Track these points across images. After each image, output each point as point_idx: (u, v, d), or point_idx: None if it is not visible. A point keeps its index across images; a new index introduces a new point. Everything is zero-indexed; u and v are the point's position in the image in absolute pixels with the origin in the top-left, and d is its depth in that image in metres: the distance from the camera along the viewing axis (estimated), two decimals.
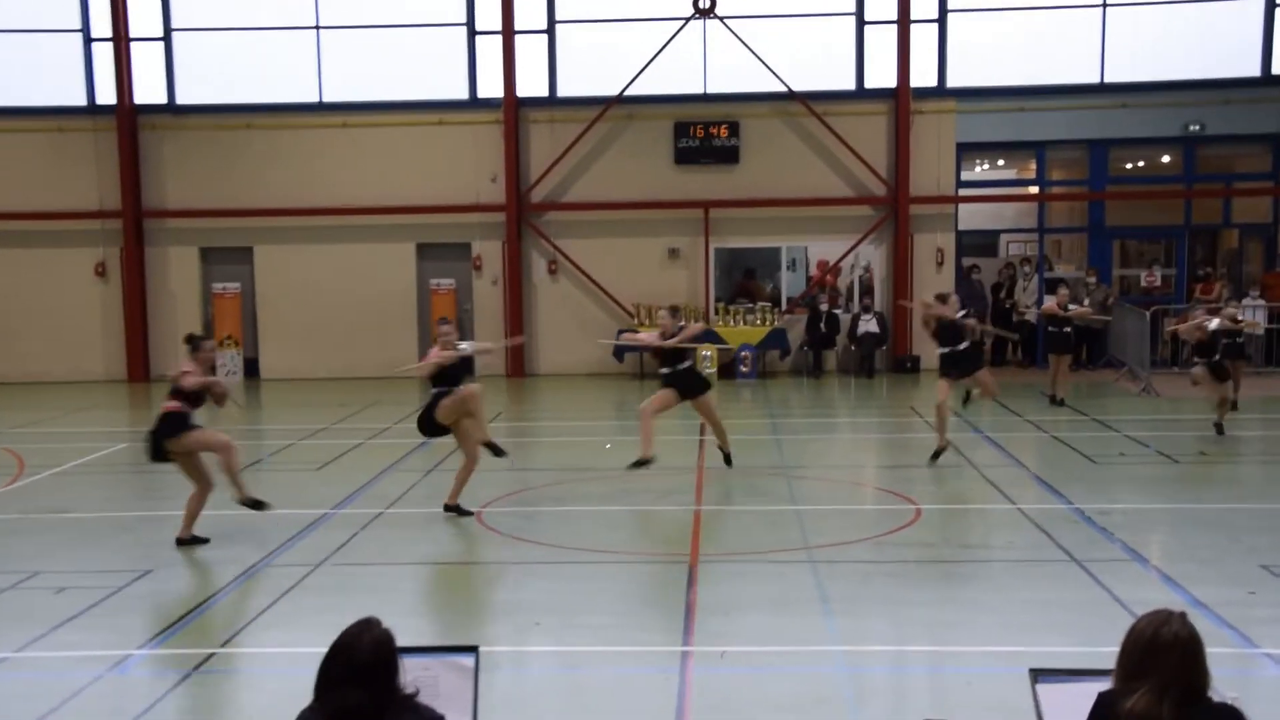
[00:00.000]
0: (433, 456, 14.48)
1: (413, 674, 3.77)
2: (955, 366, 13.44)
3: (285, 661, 7.54)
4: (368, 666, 3.58)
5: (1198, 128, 22.34)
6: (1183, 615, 3.51)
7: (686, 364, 12.76)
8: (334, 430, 16.79)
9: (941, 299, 13.67)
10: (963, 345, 13.37)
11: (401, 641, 3.82)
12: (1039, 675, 3.93)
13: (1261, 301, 21.31)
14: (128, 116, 22.75)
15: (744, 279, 23.59)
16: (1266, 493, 12.21)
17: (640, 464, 12.38)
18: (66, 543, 10.56)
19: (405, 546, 10.38)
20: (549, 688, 7.22)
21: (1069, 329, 18.32)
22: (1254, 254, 23.46)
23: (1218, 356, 14.95)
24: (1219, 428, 14.95)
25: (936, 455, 13.44)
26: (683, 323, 13.40)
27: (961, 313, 13.57)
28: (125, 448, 16.01)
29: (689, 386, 12.70)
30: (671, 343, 12.60)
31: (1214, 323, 14.91)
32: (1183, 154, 23.00)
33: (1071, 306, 18.33)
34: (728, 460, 13.08)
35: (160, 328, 23.27)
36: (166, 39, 22.93)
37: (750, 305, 22.68)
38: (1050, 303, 18.36)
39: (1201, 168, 23.28)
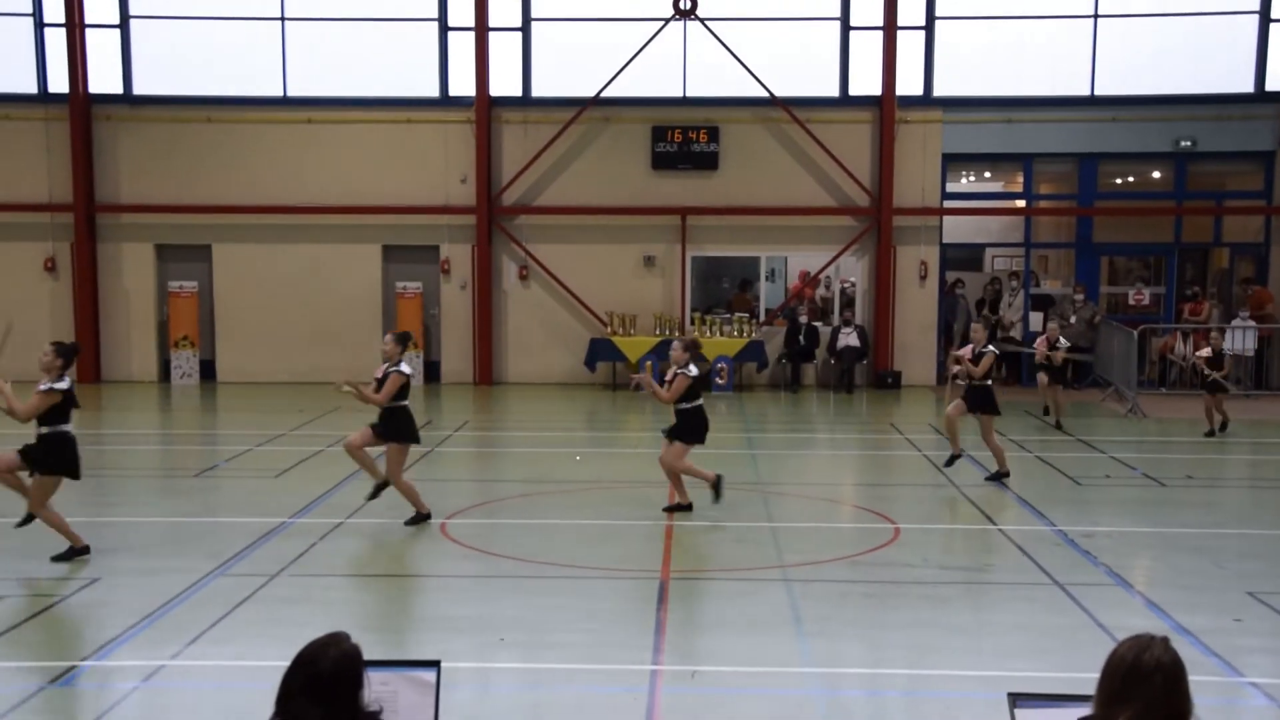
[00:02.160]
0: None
1: (372, 688, 3.68)
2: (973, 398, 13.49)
3: (239, 675, 7.37)
4: (329, 682, 3.50)
5: (1189, 143, 21.93)
6: (1165, 640, 3.44)
7: (689, 404, 11.62)
8: (293, 436, 16.40)
9: (961, 358, 13.57)
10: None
11: None
12: (1018, 700, 3.83)
13: (1251, 323, 20.85)
14: (81, 106, 21.97)
15: (739, 290, 23.13)
16: (1253, 518, 12.03)
17: (678, 508, 11.64)
18: (7, 550, 10.13)
19: (366, 558, 10.20)
20: (513, 706, 7.12)
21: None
22: (1245, 274, 23.00)
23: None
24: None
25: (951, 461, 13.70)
26: (688, 358, 11.70)
27: (989, 347, 13.55)
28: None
29: (685, 430, 11.59)
30: (665, 397, 11.66)
31: (1205, 351, 16.68)
32: (1173, 170, 22.57)
33: (1061, 340, 17.78)
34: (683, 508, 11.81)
35: (113, 327, 22.54)
36: (124, 26, 22.19)
37: (728, 316, 22.08)
38: (1040, 344, 17.74)
39: (1192, 184, 22.86)
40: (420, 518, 10.92)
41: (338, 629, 3.66)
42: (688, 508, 11.51)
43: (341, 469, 13.77)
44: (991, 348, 13.68)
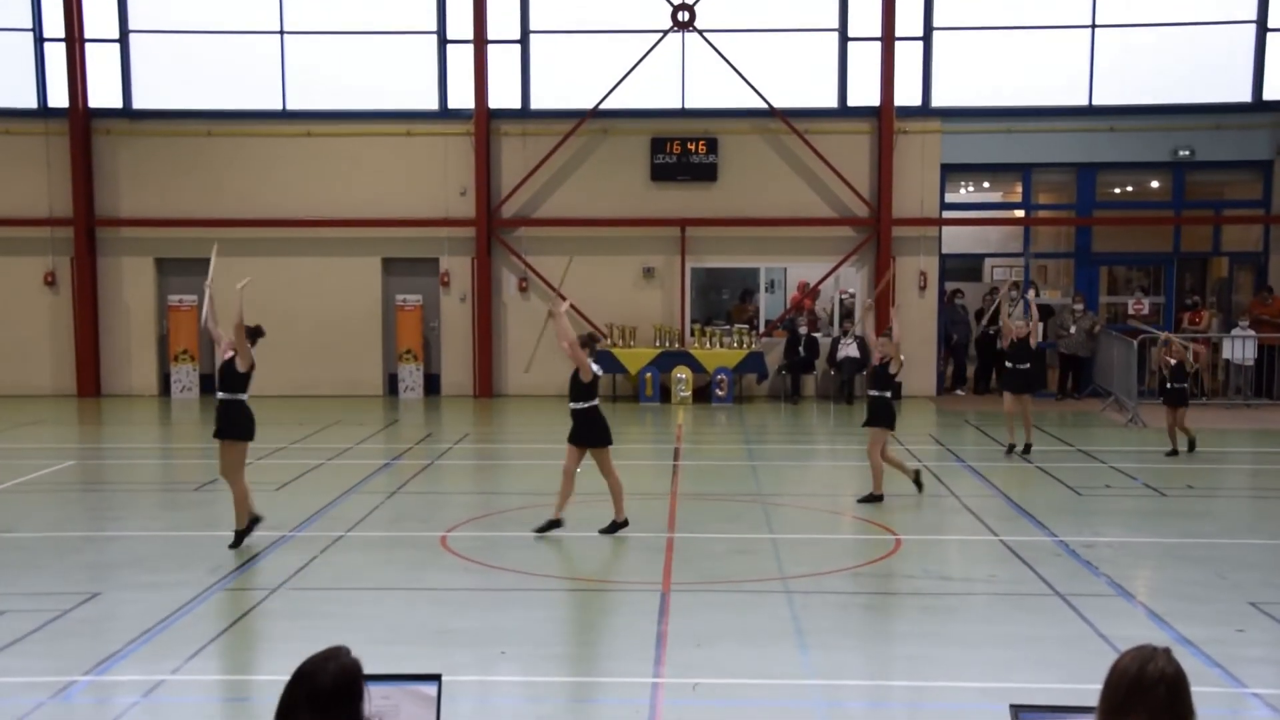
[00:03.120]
0: (396, 479, 14.09)
1: (373, 702, 3.63)
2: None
3: (240, 690, 7.40)
4: (330, 696, 3.44)
5: (1187, 153, 21.93)
6: (1168, 651, 3.40)
7: (585, 404, 10.93)
8: (293, 450, 16.39)
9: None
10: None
11: None
12: (1020, 711, 3.80)
13: (1251, 332, 20.82)
14: (81, 120, 21.97)
15: (739, 301, 23.14)
16: (1255, 528, 12.02)
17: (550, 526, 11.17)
18: (8, 564, 10.21)
19: (367, 571, 10.14)
20: (514, 719, 7.08)
21: (1027, 364, 15.74)
22: (1244, 283, 22.98)
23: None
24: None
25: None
26: (586, 354, 10.95)
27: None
28: (72, 465, 15.49)
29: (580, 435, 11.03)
30: (567, 334, 10.77)
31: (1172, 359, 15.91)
32: (1172, 179, 22.55)
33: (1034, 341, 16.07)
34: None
35: (112, 341, 22.51)
36: (123, 40, 22.20)
37: (727, 327, 22.07)
38: (1022, 325, 15.91)
39: (1191, 194, 22.86)
40: (242, 534, 10.63)
41: (338, 643, 3.63)
42: (558, 524, 10.96)
43: (342, 482, 13.79)
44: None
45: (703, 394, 21.43)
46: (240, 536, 10.57)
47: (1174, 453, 15.61)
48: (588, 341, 11.10)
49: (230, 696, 7.33)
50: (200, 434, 19.38)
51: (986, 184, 25.15)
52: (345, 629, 8.28)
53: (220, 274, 22.66)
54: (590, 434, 10.93)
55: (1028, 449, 15.72)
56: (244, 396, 10.46)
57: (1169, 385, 15.74)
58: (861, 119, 22.10)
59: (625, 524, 11.16)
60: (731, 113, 22.04)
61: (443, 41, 22.18)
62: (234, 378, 10.43)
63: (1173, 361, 15.79)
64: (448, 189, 22.26)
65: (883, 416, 12.66)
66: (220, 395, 10.49)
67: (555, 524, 11.03)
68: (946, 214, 22.56)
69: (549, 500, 11.39)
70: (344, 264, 22.36)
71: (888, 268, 21.89)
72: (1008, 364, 15.89)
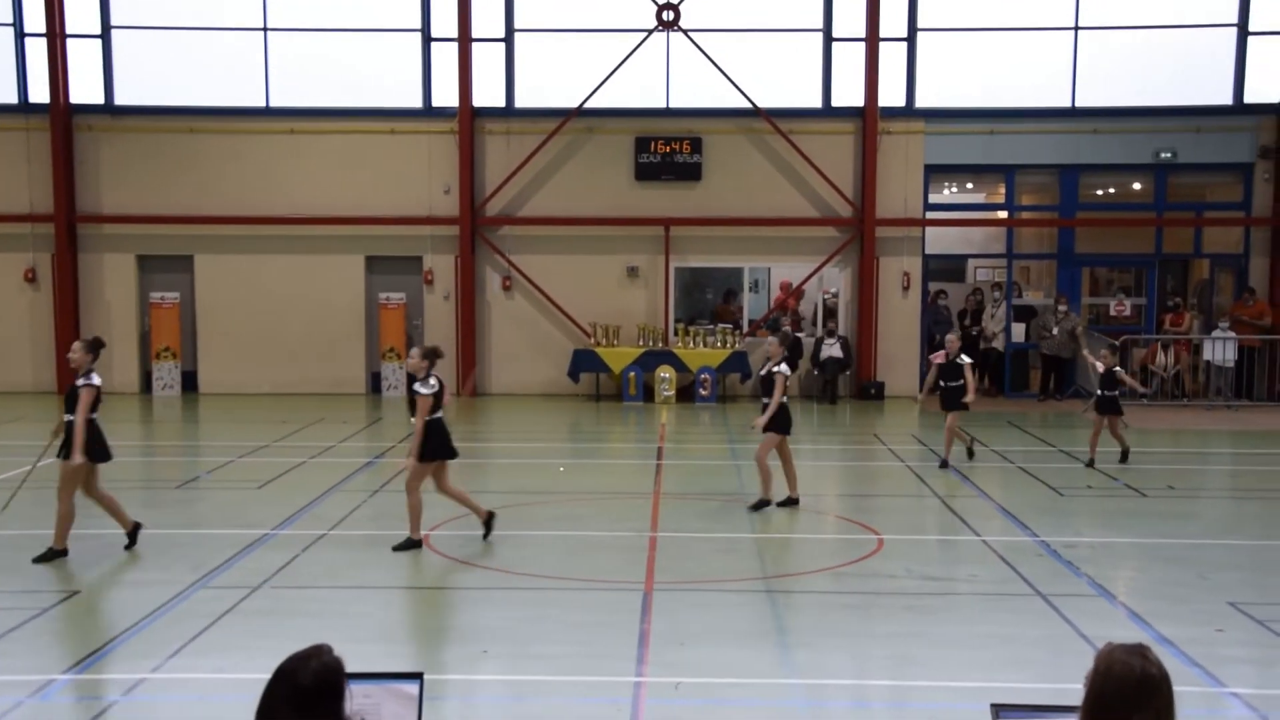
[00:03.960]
0: (379, 477, 14.11)
1: (354, 701, 3.64)
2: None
3: (221, 688, 7.31)
4: (311, 694, 3.46)
5: (1169, 155, 22.03)
6: (1148, 650, 3.43)
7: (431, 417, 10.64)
8: (276, 448, 16.34)
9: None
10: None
11: None
12: (1000, 710, 3.83)
13: (1232, 334, 20.93)
14: (62, 116, 21.84)
15: (723, 301, 23.14)
16: (1235, 529, 12.06)
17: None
18: None
19: (349, 569, 10.04)
20: (496, 718, 7.11)
21: (959, 382, 14.69)
22: (1225, 285, 23.10)
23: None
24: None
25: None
26: (427, 366, 10.54)
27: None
28: (53, 463, 15.29)
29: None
30: (417, 426, 10.43)
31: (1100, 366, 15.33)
32: (1154, 181, 22.64)
33: (964, 357, 14.89)
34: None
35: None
36: (105, 36, 22.09)
37: (711, 327, 22.08)
38: (938, 359, 15.16)
39: (1173, 196, 22.96)
40: (55, 554, 10.13)
41: (320, 641, 3.63)
42: (416, 544, 10.60)
43: (324, 480, 13.74)
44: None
45: (686, 393, 21.44)
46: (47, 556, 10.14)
47: (1091, 464, 14.76)
48: (430, 355, 10.57)
49: (211, 695, 7.28)
50: (182, 432, 19.37)
51: (970, 185, 25.22)
52: (327, 627, 8.24)
53: (205, 269, 22.66)
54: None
55: (944, 464, 14.78)
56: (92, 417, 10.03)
57: (1100, 392, 15.03)
58: (845, 119, 22.14)
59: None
60: (716, 112, 22.05)
61: (427, 39, 22.13)
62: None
63: (1100, 367, 15.09)
64: (431, 187, 22.21)
65: (779, 421, 12.15)
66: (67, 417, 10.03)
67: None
68: (930, 215, 22.61)
69: (532, 499, 11.40)
70: (327, 261, 22.29)
71: (872, 268, 22.00)
72: (941, 382, 14.89)
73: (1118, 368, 15.19)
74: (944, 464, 14.83)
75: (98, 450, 10.16)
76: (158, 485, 14.02)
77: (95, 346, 10.21)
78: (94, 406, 10.00)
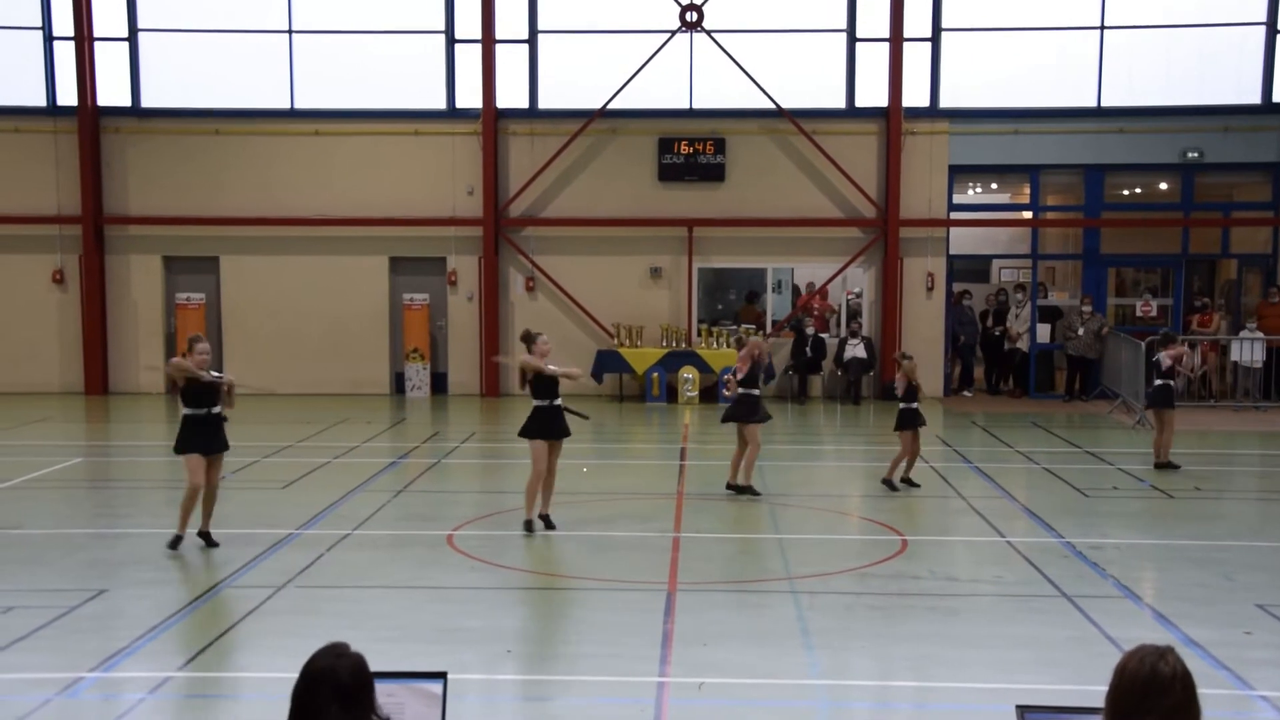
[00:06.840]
0: (403, 477, 14.13)
1: (379, 700, 3.67)
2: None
3: (246, 687, 7.39)
4: (353, 689, 3.51)
5: (1196, 155, 21.87)
6: (1173, 651, 3.42)
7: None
8: (300, 448, 16.43)
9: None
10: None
11: None
12: (1026, 712, 3.82)
13: (1260, 334, 20.77)
14: (89, 118, 21.99)
15: (747, 302, 23.13)
16: (1262, 530, 11.98)
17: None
18: (16, 561, 10.23)
19: (373, 569, 10.11)
20: (520, 717, 7.12)
21: (916, 404, 13.66)
22: (1252, 285, 22.92)
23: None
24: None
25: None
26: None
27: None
28: (80, 463, 15.53)
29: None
30: (552, 369, 11.55)
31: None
32: (1180, 181, 22.49)
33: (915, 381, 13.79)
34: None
35: (120, 338, 22.54)
36: (131, 39, 22.22)
37: (734, 328, 22.05)
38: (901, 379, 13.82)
39: (1200, 196, 22.79)
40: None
41: (342, 640, 3.64)
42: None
43: (348, 480, 13.78)
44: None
45: (709, 394, 21.41)
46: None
47: (1174, 466, 14.66)
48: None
49: (236, 693, 7.32)
50: None
51: (994, 185, 25.11)
52: (351, 627, 8.26)
53: (230, 271, 22.81)
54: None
55: (902, 483, 13.61)
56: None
57: (1160, 383, 14.71)
58: (869, 120, 22.08)
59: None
60: (739, 113, 22.02)
61: (451, 41, 22.18)
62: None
63: (1167, 362, 14.82)
64: (455, 188, 22.26)
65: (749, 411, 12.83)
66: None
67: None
68: (954, 215, 22.52)
69: (555, 499, 11.43)
70: (351, 263, 22.37)
71: (896, 268, 21.92)
72: (902, 404, 13.68)
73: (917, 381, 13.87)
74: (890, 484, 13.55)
75: (214, 442, 10.74)
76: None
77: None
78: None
